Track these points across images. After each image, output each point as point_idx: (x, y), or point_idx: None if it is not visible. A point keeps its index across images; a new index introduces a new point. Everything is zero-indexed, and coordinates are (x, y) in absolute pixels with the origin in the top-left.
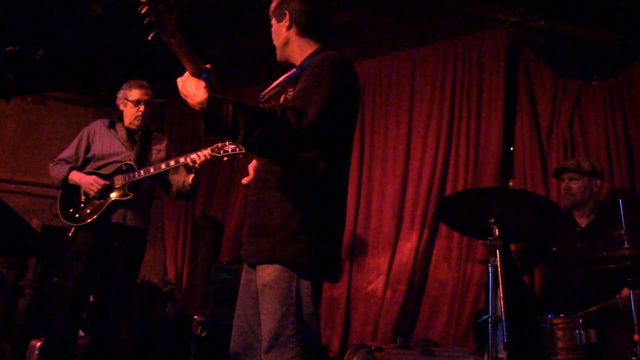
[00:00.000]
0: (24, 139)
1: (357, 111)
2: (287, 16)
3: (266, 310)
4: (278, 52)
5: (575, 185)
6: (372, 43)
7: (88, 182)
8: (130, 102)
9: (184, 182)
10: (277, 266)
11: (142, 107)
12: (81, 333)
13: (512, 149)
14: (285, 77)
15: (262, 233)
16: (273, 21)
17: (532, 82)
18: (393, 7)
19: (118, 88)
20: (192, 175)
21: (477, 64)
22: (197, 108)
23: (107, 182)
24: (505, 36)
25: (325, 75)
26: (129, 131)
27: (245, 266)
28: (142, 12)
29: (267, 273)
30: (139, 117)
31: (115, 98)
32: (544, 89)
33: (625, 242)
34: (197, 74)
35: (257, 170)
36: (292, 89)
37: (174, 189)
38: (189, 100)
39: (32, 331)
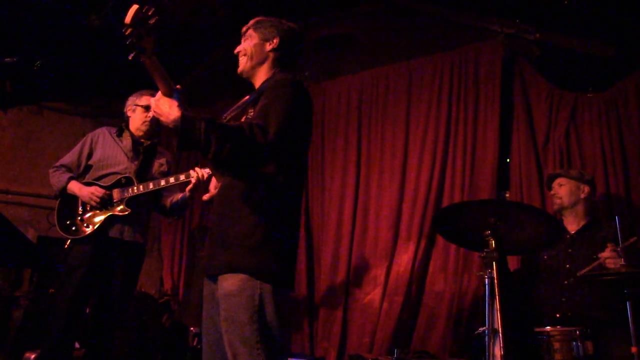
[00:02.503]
0: (21, 150)
1: (310, 128)
2: (277, 40)
3: (230, 318)
4: (247, 65)
5: (562, 190)
6: (369, 54)
7: (88, 192)
8: (141, 107)
9: (171, 199)
10: (240, 275)
11: (151, 113)
12: (77, 345)
13: (508, 160)
14: (244, 101)
15: (225, 245)
16: (255, 35)
17: (528, 93)
18: (389, 18)
19: (114, 99)
20: (180, 195)
21: (473, 75)
22: (170, 126)
23: (107, 192)
24: (501, 48)
25: (282, 95)
26: (134, 141)
27: (206, 280)
28: (127, 33)
29: (231, 283)
30: (147, 123)
31: (122, 107)
32: (540, 101)
33: (622, 260)
34: (168, 94)
35: (220, 187)
36: (252, 110)
37: (161, 204)
38: (162, 119)
39: (27, 343)
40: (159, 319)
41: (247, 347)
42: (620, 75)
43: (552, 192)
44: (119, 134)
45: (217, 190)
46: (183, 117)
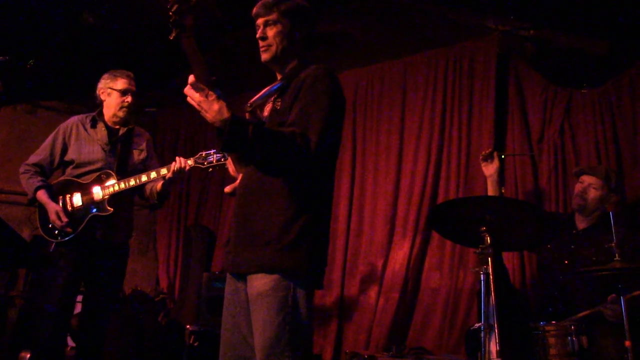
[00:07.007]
0: (15, 149)
1: (343, 120)
2: (306, 28)
3: (261, 319)
4: (276, 53)
5: (592, 194)
6: (364, 51)
7: (52, 212)
8: (117, 91)
9: (151, 188)
10: (274, 276)
11: (128, 98)
12: (71, 343)
13: (503, 157)
14: (270, 88)
15: (257, 243)
16: (285, 21)
17: (523, 90)
18: (384, 15)
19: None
20: (161, 182)
21: (468, 72)
22: (216, 125)
23: (68, 220)
24: (496, 45)
25: (322, 95)
26: (110, 131)
27: (230, 276)
28: (171, 10)
29: (263, 282)
30: (125, 109)
31: (94, 90)
32: (535, 97)
33: (616, 255)
34: (204, 80)
35: (245, 179)
36: (280, 100)
37: (144, 194)
38: (208, 116)
39: (22, 342)
40: (155, 318)
41: (277, 349)
42: (614, 71)
43: (580, 187)
44: (93, 125)
45: (240, 181)
46: (233, 120)
